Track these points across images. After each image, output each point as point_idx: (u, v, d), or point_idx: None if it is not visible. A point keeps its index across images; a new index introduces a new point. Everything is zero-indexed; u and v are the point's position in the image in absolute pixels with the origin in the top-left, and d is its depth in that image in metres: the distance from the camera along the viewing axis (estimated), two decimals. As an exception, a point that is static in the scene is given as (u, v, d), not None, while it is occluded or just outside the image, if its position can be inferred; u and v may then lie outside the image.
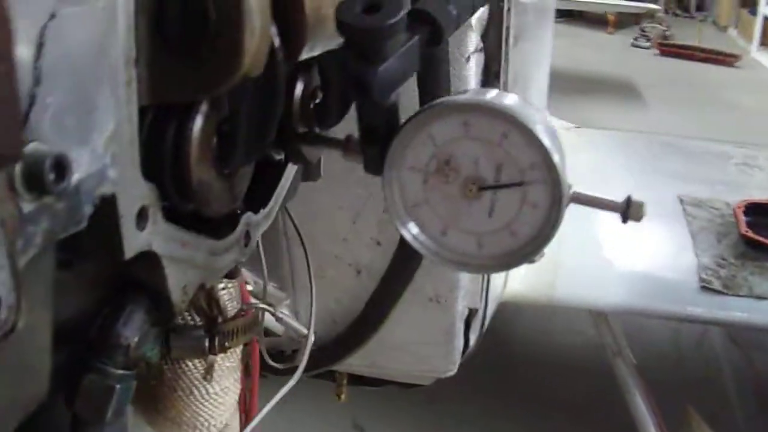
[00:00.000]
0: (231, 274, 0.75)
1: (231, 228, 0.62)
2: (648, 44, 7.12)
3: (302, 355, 0.98)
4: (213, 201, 0.56)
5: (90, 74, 0.43)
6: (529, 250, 0.59)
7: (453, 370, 1.49)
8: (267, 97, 0.56)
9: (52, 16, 0.39)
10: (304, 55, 0.56)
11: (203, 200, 0.55)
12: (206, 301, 0.76)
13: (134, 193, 0.48)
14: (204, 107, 0.53)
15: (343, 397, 1.61)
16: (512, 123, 0.54)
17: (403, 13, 0.51)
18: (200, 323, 0.77)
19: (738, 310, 1.70)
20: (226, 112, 0.55)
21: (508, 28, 1.30)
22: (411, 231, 0.61)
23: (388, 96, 0.55)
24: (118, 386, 0.54)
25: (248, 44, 0.47)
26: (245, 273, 1.30)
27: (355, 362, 1.49)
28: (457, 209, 0.59)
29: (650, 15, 7.41)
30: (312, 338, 1.02)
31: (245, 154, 0.57)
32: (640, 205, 0.57)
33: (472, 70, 1.20)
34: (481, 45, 1.25)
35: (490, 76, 1.27)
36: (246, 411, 1.12)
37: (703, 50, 6.75)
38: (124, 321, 0.54)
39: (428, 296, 1.39)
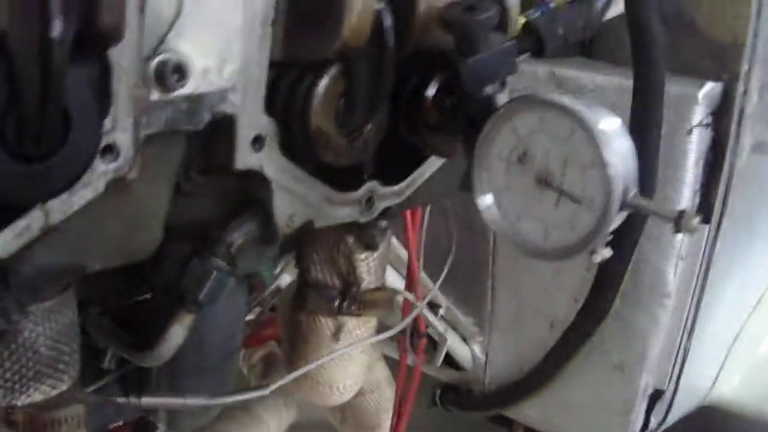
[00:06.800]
0: (371, 246, 0.87)
1: (355, 188, 0.75)
2: None
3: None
4: (330, 150, 0.69)
5: (228, 24, 0.58)
6: (582, 245, 0.64)
7: (626, 444, 1.48)
8: (377, 71, 0.68)
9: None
10: (419, 45, 0.68)
11: (320, 147, 0.68)
12: (346, 265, 0.89)
13: (253, 120, 0.63)
14: (333, 70, 0.66)
15: (515, 446, 1.63)
16: (577, 121, 0.61)
17: (490, 12, 0.61)
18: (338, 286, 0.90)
19: None
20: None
21: (741, 112, 1.25)
22: (486, 202, 0.69)
23: (479, 87, 0.65)
24: (215, 272, 0.68)
25: (348, 18, 0.60)
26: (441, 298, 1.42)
27: (532, 414, 1.53)
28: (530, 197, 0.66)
29: None
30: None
31: (360, 116, 0.69)
32: (692, 216, 0.61)
33: (694, 144, 1.21)
34: (709, 121, 1.23)
35: (718, 156, 1.25)
36: (399, 413, 1.22)
37: None
38: (235, 224, 0.69)
39: (613, 363, 1.41)
